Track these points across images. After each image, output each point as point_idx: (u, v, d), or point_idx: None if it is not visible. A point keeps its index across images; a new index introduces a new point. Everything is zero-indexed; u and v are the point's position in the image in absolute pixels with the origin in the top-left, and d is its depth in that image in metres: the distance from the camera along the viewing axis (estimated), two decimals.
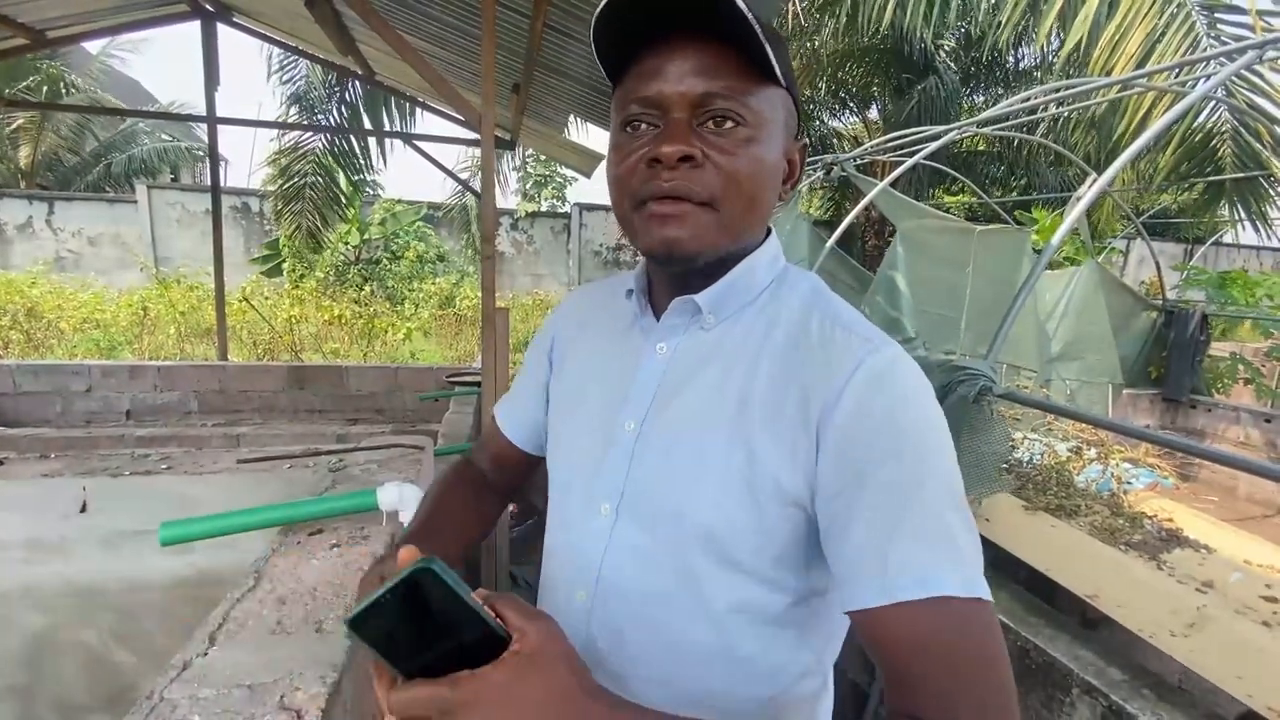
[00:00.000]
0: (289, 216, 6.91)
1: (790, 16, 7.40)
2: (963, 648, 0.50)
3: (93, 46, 11.66)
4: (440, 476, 0.84)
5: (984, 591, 0.51)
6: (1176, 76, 4.26)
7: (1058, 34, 5.25)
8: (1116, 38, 4.64)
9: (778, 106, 0.58)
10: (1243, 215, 5.31)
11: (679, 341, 0.65)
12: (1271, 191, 5.18)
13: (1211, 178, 5.25)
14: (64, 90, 10.44)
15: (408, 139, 5.27)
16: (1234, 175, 5.06)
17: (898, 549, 0.51)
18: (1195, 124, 4.99)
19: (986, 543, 2.04)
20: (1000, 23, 5.26)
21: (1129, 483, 3.42)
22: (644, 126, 0.57)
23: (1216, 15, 4.56)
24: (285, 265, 9.38)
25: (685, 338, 0.64)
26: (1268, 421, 4.97)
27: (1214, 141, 5.03)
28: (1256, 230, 5.44)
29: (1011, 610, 1.77)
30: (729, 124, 0.55)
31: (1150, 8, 4.55)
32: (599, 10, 0.54)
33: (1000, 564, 2.00)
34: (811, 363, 0.58)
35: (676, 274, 0.64)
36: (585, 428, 0.68)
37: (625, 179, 0.58)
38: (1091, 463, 3.35)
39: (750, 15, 0.51)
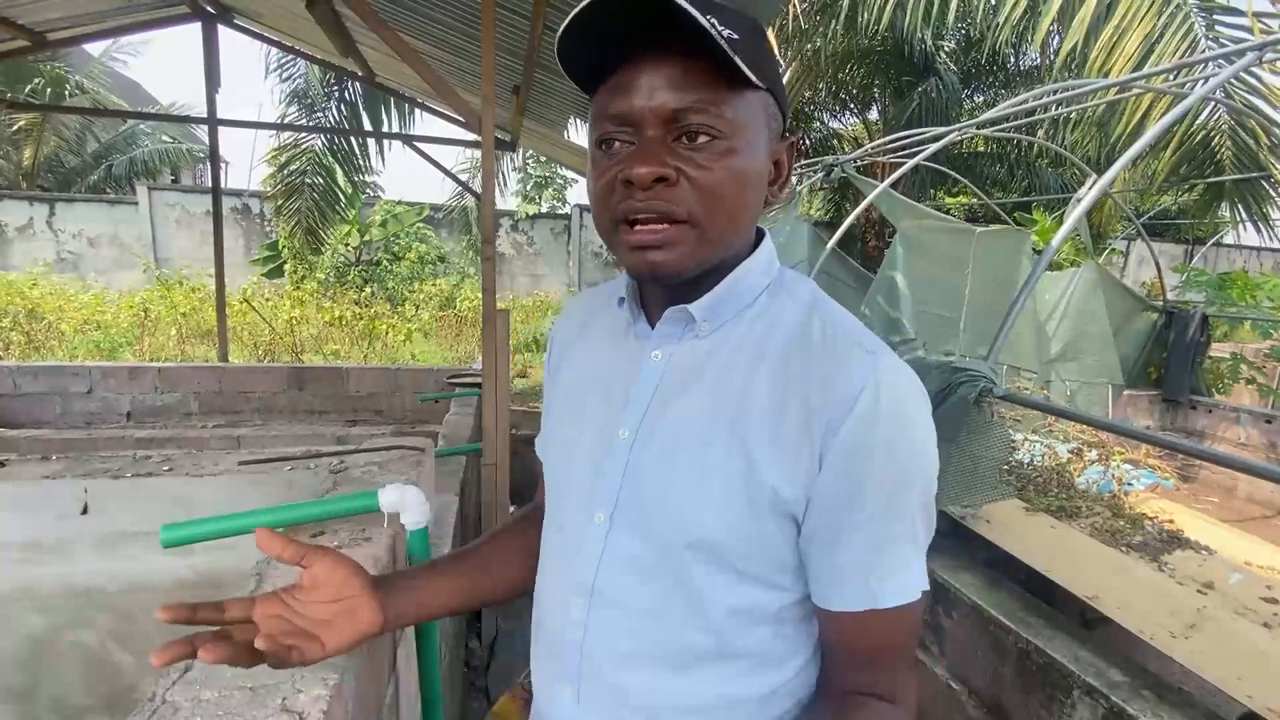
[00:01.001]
0: (288, 214, 6.92)
1: (790, 19, 7.41)
2: (907, 634, 0.60)
3: (94, 49, 11.67)
4: (504, 522, 0.87)
5: (927, 581, 0.60)
6: (1175, 78, 4.27)
7: (1057, 34, 5.26)
8: (1114, 39, 4.64)
9: (757, 111, 0.57)
10: (1244, 216, 5.32)
11: (674, 349, 0.64)
12: (1272, 193, 5.19)
13: (1211, 179, 5.26)
14: (69, 93, 10.45)
15: (407, 140, 5.27)
16: (1234, 177, 5.07)
17: (884, 563, 0.57)
18: (1194, 125, 4.99)
19: (986, 543, 2.04)
20: (999, 24, 5.26)
21: (1130, 484, 3.42)
22: (618, 144, 0.56)
23: (1215, 17, 4.56)
24: (286, 266, 9.39)
25: (680, 345, 0.64)
26: (1268, 422, 4.97)
27: (1213, 144, 5.04)
28: (1258, 231, 5.45)
29: (1011, 611, 1.76)
30: (704, 138, 0.54)
31: (1148, 9, 4.55)
32: (563, 27, 0.52)
33: (1000, 565, 2.00)
34: (814, 373, 0.57)
35: (662, 286, 0.63)
36: (581, 434, 0.68)
37: (604, 198, 0.58)
38: (1092, 464, 3.35)
39: (712, 28, 0.49)
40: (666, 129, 0.54)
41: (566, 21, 0.52)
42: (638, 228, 0.56)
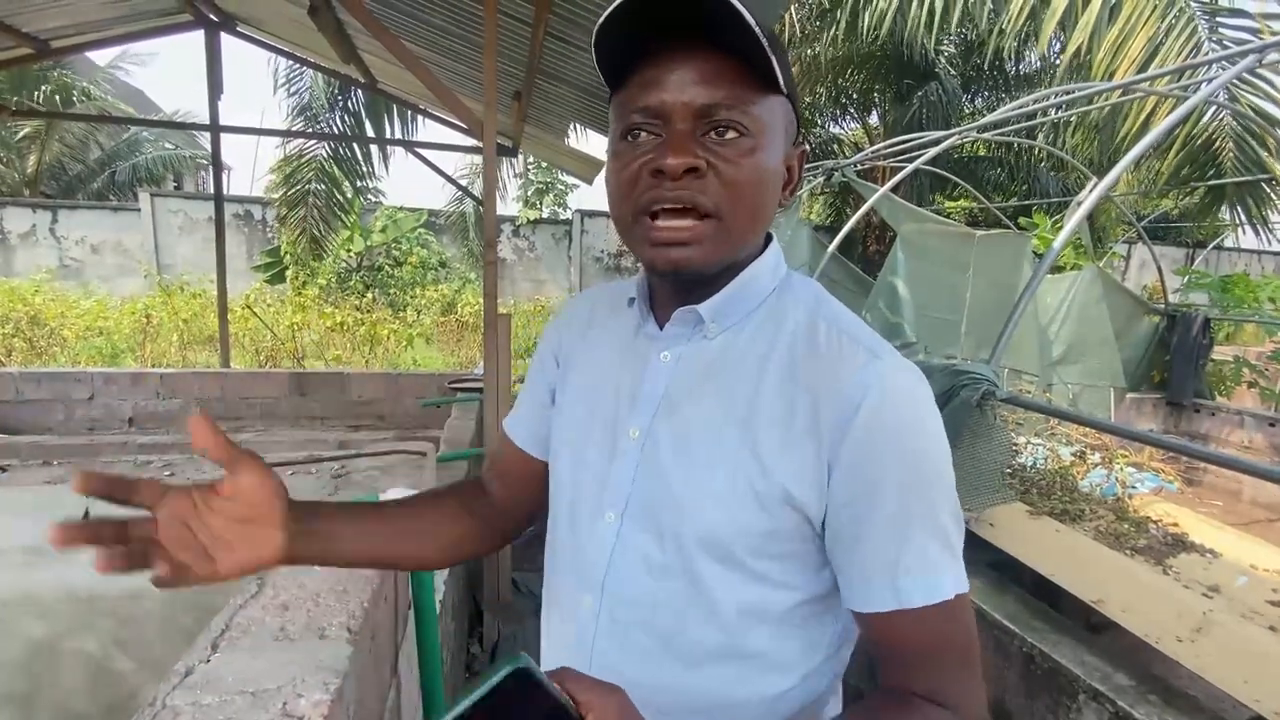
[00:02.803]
0: (293, 223, 6.96)
1: (789, 25, 7.44)
2: (952, 636, 0.58)
3: (100, 58, 11.75)
4: (441, 485, 0.83)
5: (966, 584, 0.58)
6: (1180, 80, 4.27)
7: (1059, 39, 5.27)
8: (1119, 41, 4.65)
9: (778, 114, 0.58)
10: (1243, 219, 5.32)
11: (683, 350, 0.65)
12: (1273, 195, 5.19)
13: (1213, 181, 5.26)
14: (75, 100, 10.50)
15: (409, 146, 5.30)
16: (1235, 179, 5.07)
17: (906, 560, 0.56)
18: (1197, 129, 5.00)
19: (991, 547, 2.04)
20: (1003, 29, 5.27)
21: (1133, 487, 3.41)
22: (645, 135, 0.57)
23: (1218, 20, 4.57)
24: (288, 272, 9.41)
25: (689, 346, 0.65)
26: (1271, 425, 4.96)
27: (1215, 146, 5.04)
28: (1257, 234, 5.46)
29: (1016, 616, 1.76)
30: (732, 134, 0.55)
31: (1152, 13, 4.57)
32: (602, 19, 0.54)
33: (1004, 568, 1.99)
34: (821, 375, 0.58)
35: (679, 283, 0.64)
36: (591, 435, 0.68)
37: (627, 188, 0.58)
38: (1095, 467, 3.34)
39: (756, 26, 0.51)
40: (696, 123, 0.55)
41: (603, 17, 0.54)
42: (662, 222, 0.57)
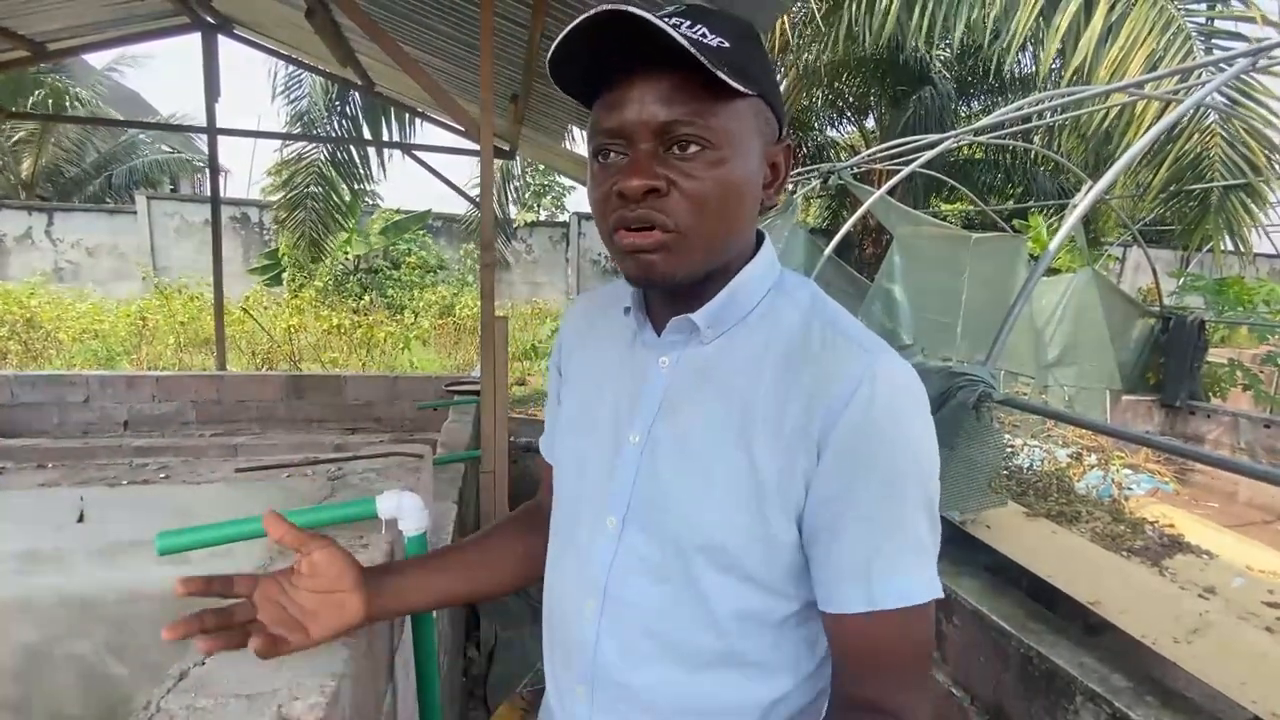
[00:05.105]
0: (292, 226, 6.98)
1: (785, 30, 7.46)
2: (918, 642, 0.58)
3: (95, 60, 11.74)
4: (506, 516, 0.90)
5: (940, 590, 0.58)
6: (1181, 81, 4.30)
7: (1059, 55, 5.32)
8: (1118, 60, 4.71)
9: (748, 118, 0.57)
10: (1227, 243, 5.40)
11: (680, 355, 0.65)
12: (1260, 213, 5.27)
13: (1203, 184, 5.31)
14: (69, 104, 10.48)
15: (406, 149, 5.30)
16: (1222, 183, 5.12)
17: (882, 561, 0.56)
18: (1186, 147, 5.06)
19: (988, 549, 2.04)
20: (1004, 48, 5.31)
21: (1129, 488, 3.42)
22: (614, 156, 0.58)
23: (1214, 42, 4.64)
24: (285, 275, 9.40)
25: (686, 352, 0.65)
26: (1266, 427, 4.98)
27: (1201, 165, 5.11)
28: (1238, 252, 5.54)
29: (1013, 617, 1.76)
30: (694, 149, 0.55)
31: (1149, 33, 4.62)
32: (552, 51, 0.54)
33: (1001, 570, 1.99)
34: (812, 374, 0.58)
35: (664, 292, 0.64)
36: (591, 440, 0.69)
37: (601, 208, 0.59)
38: (1092, 469, 3.35)
39: (694, 43, 0.50)
40: (658, 141, 0.55)
41: (554, 46, 0.54)
42: (627, 234, 0.57)
